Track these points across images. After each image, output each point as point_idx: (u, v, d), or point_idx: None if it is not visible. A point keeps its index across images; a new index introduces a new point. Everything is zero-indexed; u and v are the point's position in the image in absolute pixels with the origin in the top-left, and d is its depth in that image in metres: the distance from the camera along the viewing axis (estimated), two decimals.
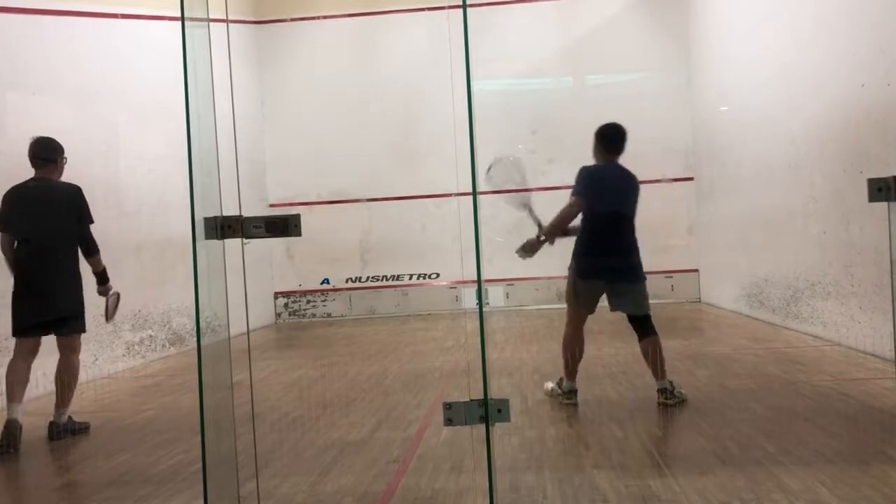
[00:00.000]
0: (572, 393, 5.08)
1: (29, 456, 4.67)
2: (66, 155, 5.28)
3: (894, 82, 5.49)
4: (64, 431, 4.92)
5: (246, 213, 2.90)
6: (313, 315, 11.75)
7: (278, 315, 11.81)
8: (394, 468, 3.87)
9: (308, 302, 11.80)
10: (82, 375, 7.10)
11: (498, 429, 2.60)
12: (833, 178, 6.58)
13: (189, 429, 4.99)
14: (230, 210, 2.62)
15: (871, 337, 5.99)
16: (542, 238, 4.95)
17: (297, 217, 2.63)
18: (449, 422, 2.58)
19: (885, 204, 2.46)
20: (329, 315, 11.73)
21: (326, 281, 11.72)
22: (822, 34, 6.71)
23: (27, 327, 4.86)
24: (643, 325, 5.02)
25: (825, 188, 6.76)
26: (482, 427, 2.56)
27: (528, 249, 5.02)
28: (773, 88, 7.82)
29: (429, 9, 10.71)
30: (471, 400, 2.57)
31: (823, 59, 6.68)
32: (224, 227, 2.58)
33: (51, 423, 4.95)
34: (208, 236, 2.58)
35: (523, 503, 3.31)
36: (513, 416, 2.60)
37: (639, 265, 5.10)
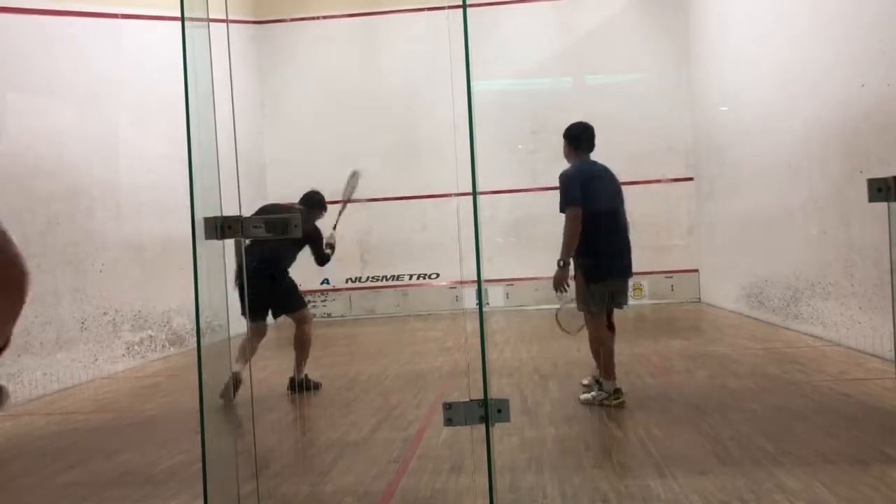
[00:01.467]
0: (619, 392, 4.93)
1: (29, 456, 4.67)
2: (325, 212, 6.48)
3: (894, 82, 5.49)
4: (301, 386, 5.91)
5: (246, 214, 2.90)
6: (313, 315, 11.74)
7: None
8: (394, 468, 3.87)
9: (308, 302, 11.79)
10: (82, 375, 7.12)
11: (498, 429, 2.60)
12: (833, 178, 6.58)
13: (189, 429, 4.99)
14: (230, 210, 2.62)
15: (871, 337, 5.99)
16: (563, 263, 4.89)
17: (297, 217, 2.63)
18: (449, 422, 2.58)
19: (885, 204, 2.46)
20: (329, 315, 11.73)
21: (326, 281, 11.71)
22: (822, 34, 6.71)
23: (251, 312, 5.64)
24: (611, 319, 5.16)
25: (825, 188, 6.76)
26: (482, 427, 2.56)
27: (559, 284, 4.93)
28: (774, 88, 7.81)
29: (429, 9, 10.71)
30: (471, 400, 2.57)
31: (823, 59, 6.68)
32: (224, 227, 2.58)
33: (290, 379, 6.00)
34: (208, 236, 2.58)
35: (523, 503, 3.31)
36: (513, 416, 2.60)
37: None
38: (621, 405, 4.85)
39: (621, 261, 5.06)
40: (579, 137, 5.18)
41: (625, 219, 5.18)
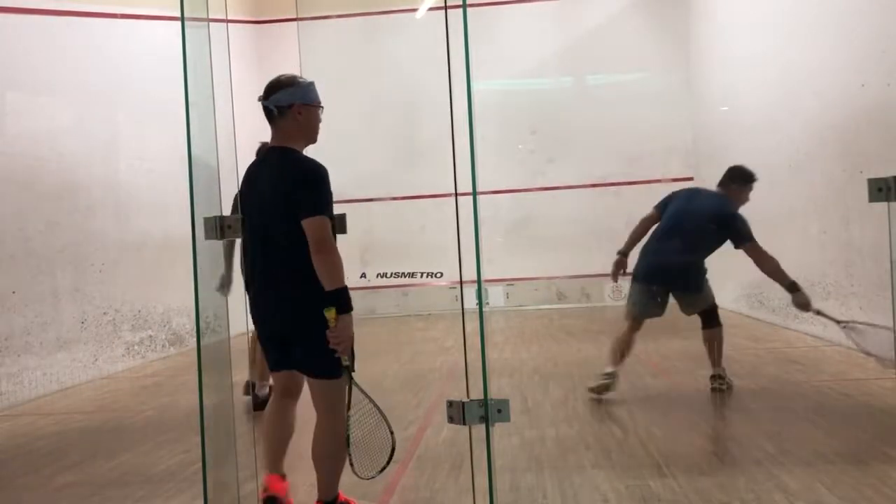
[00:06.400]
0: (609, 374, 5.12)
1: (29, 456, 4.67)
2: None
3: (894, 82, 5.49)
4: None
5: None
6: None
7: None
8: (394, 468, 3.86)
9: None
10: (82, 375, 7.12)
11: (498, 429, 2.60)
12: (833, 178, 6.57)
13: (189, 429, 4.98)
14: (230, 210, 2.62)
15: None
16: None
17: None
18: (451, 419, 2.59)
19: (885, 204, 2.46)
20: None
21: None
22: (823, 34, 6.70)
23: None
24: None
25: (825, 188, 6.76)
26: (482, 427, 2.56)
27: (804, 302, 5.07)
28: (774, 88, 7.81)
29: (429, 9, 10.70)
30: (471, 400, 2.57)
31: (824, 59, 6.68)
32: (224, 227, 2.58)
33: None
34: (208, 236, 2.59)
35: (523, 503, 3.31)
36: (513, 416, 2.60)
37: None
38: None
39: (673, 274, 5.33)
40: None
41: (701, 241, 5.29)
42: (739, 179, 5.38)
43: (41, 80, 7.18)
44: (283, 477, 3.27)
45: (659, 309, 5.25)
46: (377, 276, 11.66)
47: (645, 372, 6.07)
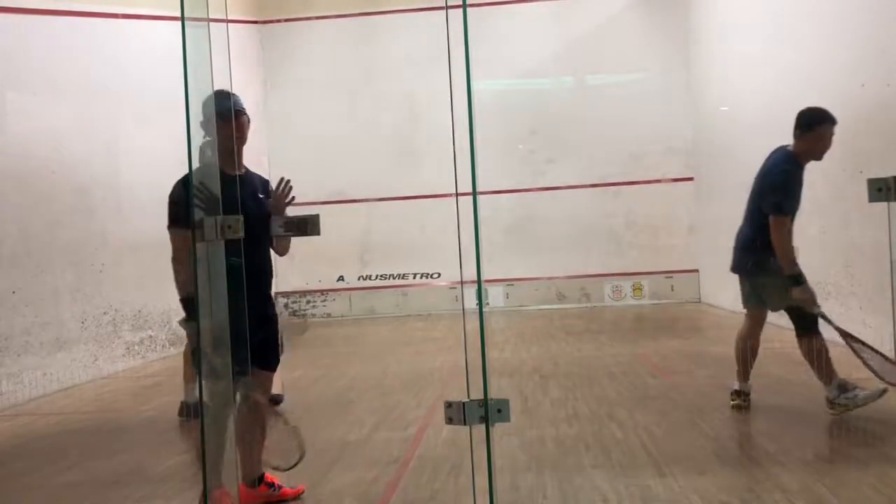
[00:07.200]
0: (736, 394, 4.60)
1: (29, 456, 4.67)
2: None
3: (894, 82, 5.49)
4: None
5: None
6: (313, 315, 11.75)
7: (278, 315, 11.79)
8: (394, 468, 3.86)
9: (308, 302, 11.80)
10: (82, 375, 7.11)
11: (498, 429, 2.60)
12: (833, 178, 6.57)
13: (189, 429, 4.99)
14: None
15: (871, 337, 5.97)
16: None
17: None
18: (450, 420, 2.59)
19: (885, 204, 2.46)
20: (329, 315, 11.73)
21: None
22: (823, 34, 6.71)
23: None
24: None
25: (825, 188, 6.76)
26: (482, 427, 2.56)
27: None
28: (774, 88, 7.81)
29: (429, 9, 10.71)
30: (471, 400, 2.57)
31: (823, 59, 6.68)
32: (224, 227, 2.58)
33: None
34: (208, 236, 2.58)
35: (523, 503, 3.31)
36: (513, 416, 2.60)
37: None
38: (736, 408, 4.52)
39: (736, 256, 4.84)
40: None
41: (754, 213, 4.70)
42: (802, 125, 4.56)
43: (42, 80, 7.18)
44: (250, 484, 3.37)
45: (754, 297, 4.76)
46: (376, 277, 11.68)
47: (645, 372, 6.07)
